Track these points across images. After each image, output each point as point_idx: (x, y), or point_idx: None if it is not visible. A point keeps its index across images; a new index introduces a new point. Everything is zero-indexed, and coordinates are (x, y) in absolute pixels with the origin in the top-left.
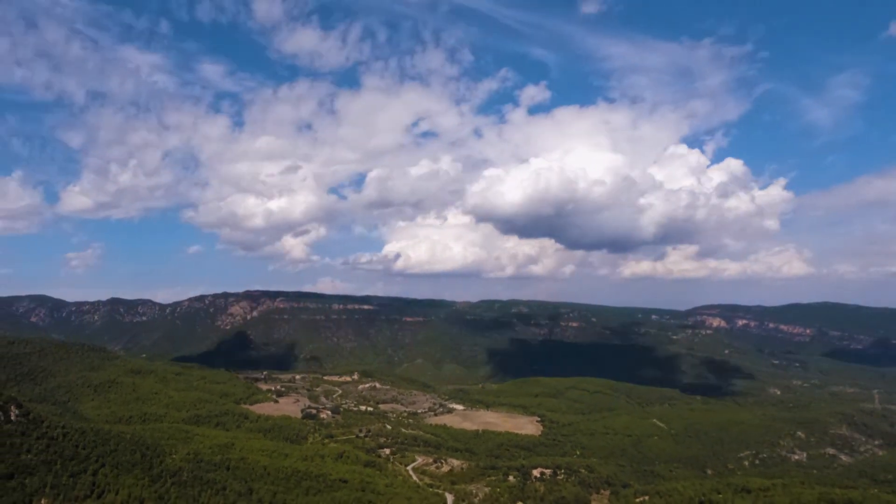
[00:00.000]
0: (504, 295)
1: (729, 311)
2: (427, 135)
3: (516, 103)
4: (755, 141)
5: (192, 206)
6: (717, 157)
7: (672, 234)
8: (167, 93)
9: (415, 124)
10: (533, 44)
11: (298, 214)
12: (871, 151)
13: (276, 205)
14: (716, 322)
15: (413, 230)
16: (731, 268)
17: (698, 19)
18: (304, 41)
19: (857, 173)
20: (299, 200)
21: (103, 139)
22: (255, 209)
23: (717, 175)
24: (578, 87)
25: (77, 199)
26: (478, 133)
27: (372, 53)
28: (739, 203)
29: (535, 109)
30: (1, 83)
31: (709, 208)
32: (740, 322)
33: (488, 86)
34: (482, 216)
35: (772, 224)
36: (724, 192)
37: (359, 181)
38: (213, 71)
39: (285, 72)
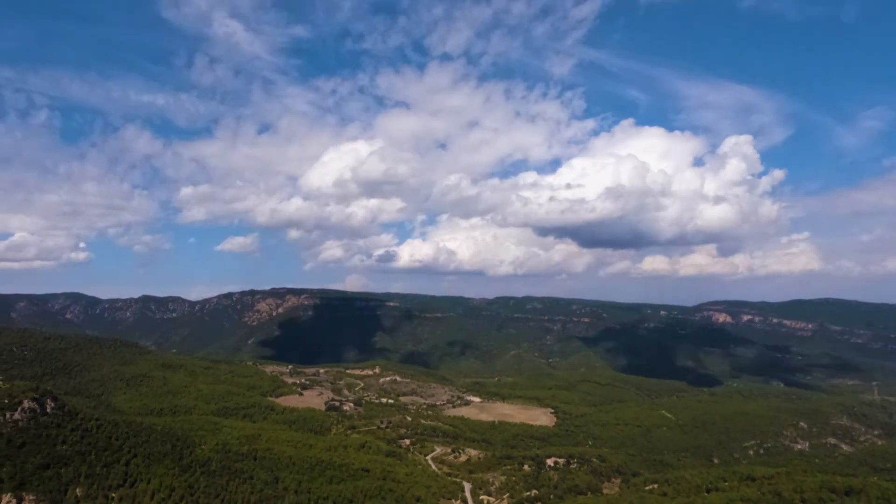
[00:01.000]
0: (519, 292)
1: (734, 307)
2: (516, 163)
3: (603, 133)
4: (790, 160)
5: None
6: (762, 174)
7: (706, 235)
8: (312, 122)
9: (509, 154)
10: (630, 86)
11: (364, 221)
12: (882, 170)
13: (358, 211)
14: (722, 317)
15: (452, 233)
16: (740, 266)
17: (757, 63)
18: (458, 99)
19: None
20: (381, 209)
21: (245, 164)
22: (335, 215)
23: (757, 187)
24: (658, 120)
25: (194, 211)
26: (557, 162)
27: (505, 103)
28: (767, 211)
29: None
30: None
31: (746, 216)
32: (745, 317)
33: (588, 125)
34: (517, 222)
35: (785, 226)
36: (758, 202)
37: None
38: (356, 108)
39: (423, 114)
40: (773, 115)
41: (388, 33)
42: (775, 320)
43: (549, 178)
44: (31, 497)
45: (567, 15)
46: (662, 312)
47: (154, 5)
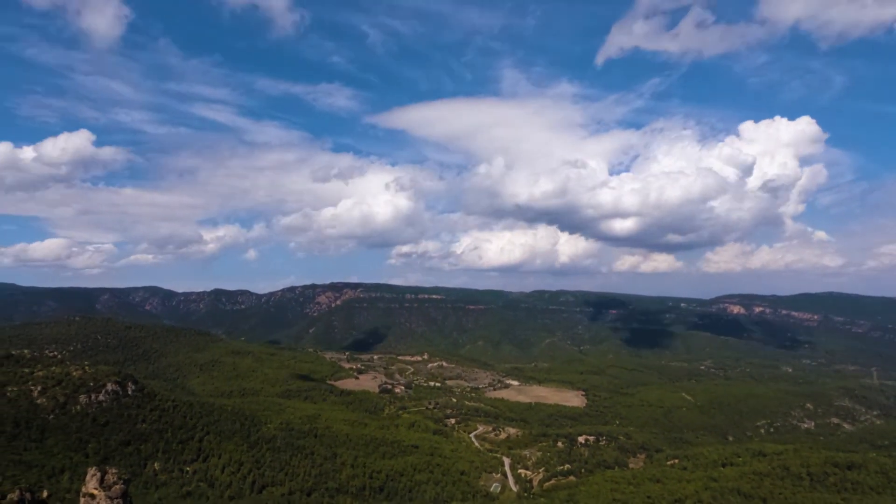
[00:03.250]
0: (553, 286)
1: (747, 300)
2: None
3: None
4: (844, 194)
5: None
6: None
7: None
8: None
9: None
10: None
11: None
12: None
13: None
14: (736, 309)
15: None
16: (753, 262)
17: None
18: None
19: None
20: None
21: None
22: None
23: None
24: None
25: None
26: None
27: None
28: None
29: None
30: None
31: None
32: (757, 309)
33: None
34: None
35: (803, 230)
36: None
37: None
38: None
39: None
40: (847, 166)
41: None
42: (784, 312)
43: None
44: (114, 470)
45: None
46: (683, 305)
47: None
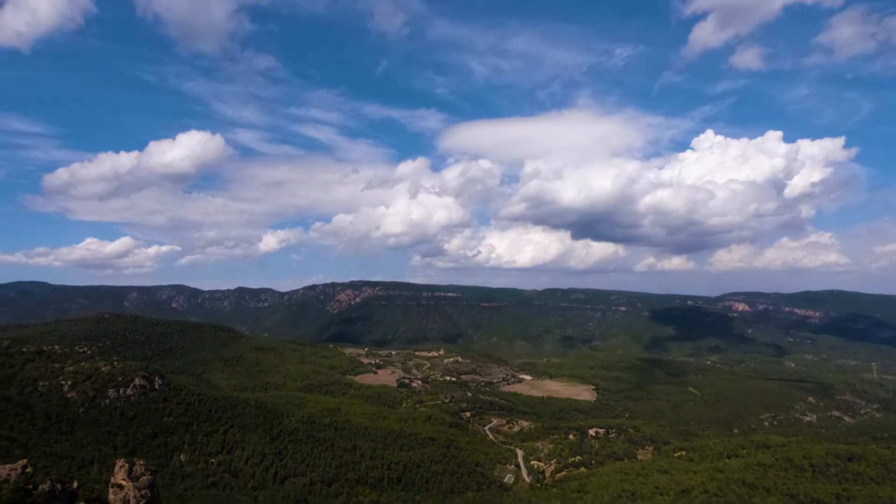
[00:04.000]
0: (565, 284)
1: (751, 298)
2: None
3: None
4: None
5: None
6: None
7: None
8: None
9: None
10: None
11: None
12: None
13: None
14: (741, 306)
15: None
16: (759, 262)
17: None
18: None
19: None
20: None
21: None
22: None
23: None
24: None
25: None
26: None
27: None
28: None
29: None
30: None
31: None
32: (761, 306)
33: None
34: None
35: (809, 231)
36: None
37: None
38: None
39: None
40: (862, 177)
41: None
42: (787, 309)
43: None
44: (141, 462)
45: None
46: (689, 302)
47: None
